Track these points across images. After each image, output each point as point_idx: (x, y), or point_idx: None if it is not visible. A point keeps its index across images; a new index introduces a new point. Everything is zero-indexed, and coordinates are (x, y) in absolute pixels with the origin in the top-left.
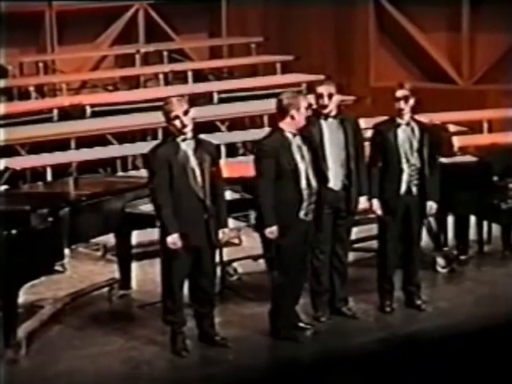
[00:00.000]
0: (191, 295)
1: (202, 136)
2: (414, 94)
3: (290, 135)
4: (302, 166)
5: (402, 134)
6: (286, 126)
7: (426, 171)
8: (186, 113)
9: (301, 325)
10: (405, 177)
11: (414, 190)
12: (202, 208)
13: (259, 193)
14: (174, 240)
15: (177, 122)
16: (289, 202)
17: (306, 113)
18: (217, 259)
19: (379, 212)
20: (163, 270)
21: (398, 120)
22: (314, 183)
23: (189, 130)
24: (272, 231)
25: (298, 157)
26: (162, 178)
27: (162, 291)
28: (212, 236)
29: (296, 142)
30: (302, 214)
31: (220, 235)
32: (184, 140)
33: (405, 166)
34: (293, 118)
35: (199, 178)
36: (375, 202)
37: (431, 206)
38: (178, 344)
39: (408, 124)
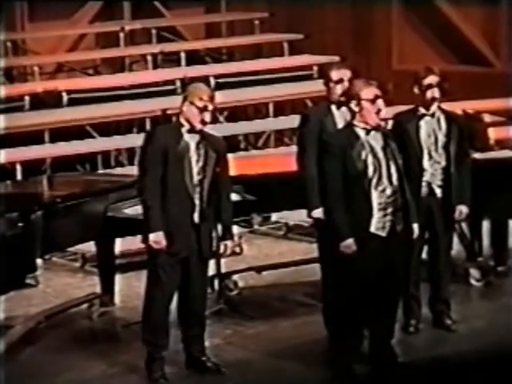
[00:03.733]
0: (178, 314)
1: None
2: (445, 79)
3: (361, 132)
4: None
5: (425, 125)
6: (357, 120)
7: (453, 170)
8: (214, 108)
9: None
10: (426, 176)
11: (438, 191)
12: (193, 210)
13: (329, 201)
14: (156, 238)
15: (200, 115)
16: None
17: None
18: (212, 271)
19: None
20: (148, 282)
21: (422, 110)
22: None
23: (203, 128)
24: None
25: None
26: (155, 167)
27: (143, 307)
28: (204, 246)
29: (369, 139)
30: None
31: (221, 248)
32: (190, 131)
33: (426, 163)
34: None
35: (196, 177)
36: None
37: (461, 210)
38: (155, 371)
39: (433, 115)
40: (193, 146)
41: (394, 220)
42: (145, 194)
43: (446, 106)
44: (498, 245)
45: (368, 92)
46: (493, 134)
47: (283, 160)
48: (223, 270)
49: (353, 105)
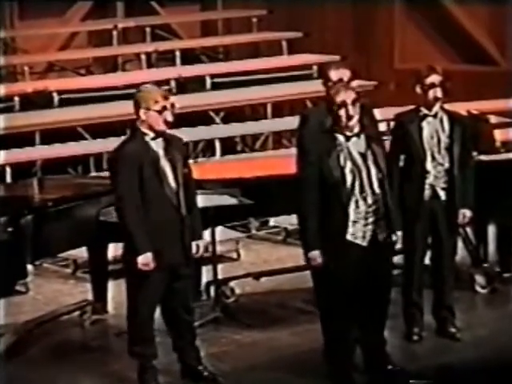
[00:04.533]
0: (166, 323)
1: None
2: (448, 78)
3: (341, 137)
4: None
5: (427, 126)
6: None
7: (456, 172)
8: (172, 105)
9: None
10: (429, 179)
11: (442, 194)
12: (176, 218)
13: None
14: (146, 260)
15: (161, 116)
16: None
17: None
18: (208, 278)
19: None
20: (129, 291)
21: (424, 110)
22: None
23: (168, 128)
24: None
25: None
26: (131, 184)
27: (127, 316)
28: (188, 250)
29: (348, 145)
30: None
31: (194, 248)
32: (154, 138)
33: (429, 165)
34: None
35: (173, 183)
36: None
37: (464, 213)
38: (148, 382)
39: (436, 115)
40: (161, 153)
41: (376, 229)
42: (124, 212)
43: (449, 106)
44: (504, 250)
45: (345, 97)
46: (499, 135)
47: (282, 162)
48: (220, 277)
49: (334, 109)
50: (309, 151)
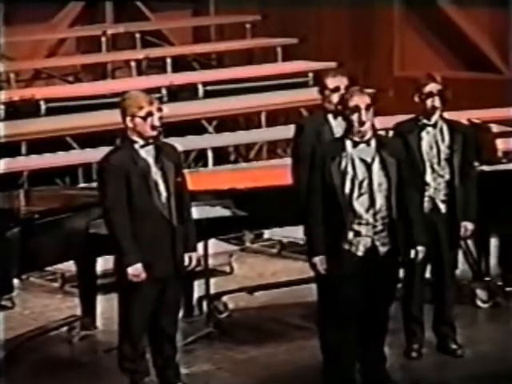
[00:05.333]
0: (149, 337)
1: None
2: (447, 87)
3: (349, 143)
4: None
5: (427, 137)
6: (347, 131)
7: (457, 183)
8: (159, 110)
9: None
10: (429, 191)
11: (442, 206)
12: (167, 229)
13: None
14: (136, 271)
15: (147, 122)
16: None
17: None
18: (201, 292)
19: None
20: (121, 305)
21: (423, 120)
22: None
23: (157, 133)
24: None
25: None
26: (119, 195)
27: (119, 331)
28: (179, 262)
29: (354, 152)
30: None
31: (186, 260)
32: (144, 146)
33: (429, 177)
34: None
35: (164, 193)
36: None
37: (465, 226)
38: None
39: (435, 125)
40: (152, 162)
41: (375, 241)
42: (112, 225)
43: (450, 115)
44: (507, 263)
45: (359, 100)
46: (501, 145)
47: (276, 173)
48: (212, 291)
49: (347, 114)
50: (314, 156)
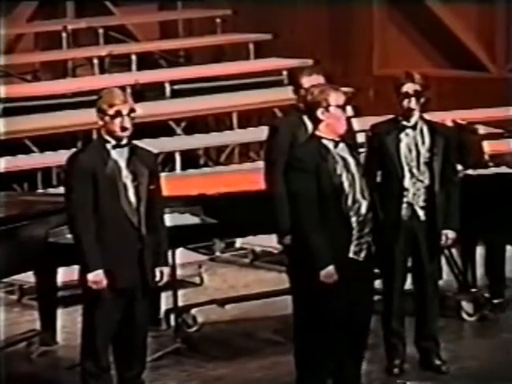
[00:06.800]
0: (115, 352)
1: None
2: (427, 87)
3: (330, 143)
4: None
5: (406, 139)
6: (322, 131)
7: (437, 189)
8: (131, 111)
9: None
10: (407, 197)
11: (422, 213)
12: (135, 238)
13: (304, 225)
14: (96, 278)
15: (116, 121)
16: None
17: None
18: (168, 305)
19: None
20: (85, 317)
21: (402, 121)
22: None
23: (127, 134)
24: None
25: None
26: (84, 196)
27: (81, 346)
28: (147, 274)
29: (339, 152)
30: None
31: (157, 275)
32: (116, 147)
33: (407, 182)
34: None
35: (133, 198)
36: None
37: (446, 234)
38: None
39: (415, 126)
40: (123, 164)
41: (371, 241)
42: (76, 229)
43: (435, 115)
44: (494, 274)
45: (337, 98)
46: (488, 147)
47: (249, 177)
48: (181, 304)
49: (319, 112)
50: (300, 160)
